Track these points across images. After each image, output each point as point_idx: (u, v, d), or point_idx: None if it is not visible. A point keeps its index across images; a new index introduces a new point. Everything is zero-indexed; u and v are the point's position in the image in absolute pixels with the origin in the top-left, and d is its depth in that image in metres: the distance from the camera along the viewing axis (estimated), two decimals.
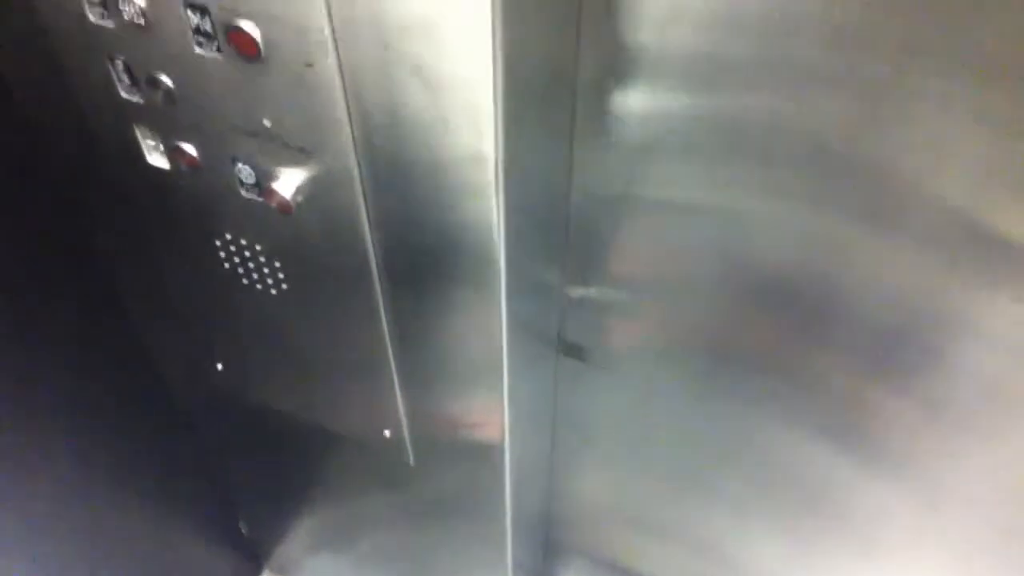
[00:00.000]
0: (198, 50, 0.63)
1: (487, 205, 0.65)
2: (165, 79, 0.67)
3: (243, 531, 1.55)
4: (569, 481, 1.29)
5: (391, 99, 0.61)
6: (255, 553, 1.60)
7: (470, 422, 0.92)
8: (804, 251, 0.80)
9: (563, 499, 1.34)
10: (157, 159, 0.76)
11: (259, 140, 0.68)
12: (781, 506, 1.10)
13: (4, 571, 0.96)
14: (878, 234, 0.75)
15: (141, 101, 0.71)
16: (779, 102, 0.69)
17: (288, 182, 0.70)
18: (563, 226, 0.89)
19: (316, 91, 0.62)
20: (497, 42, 0.54)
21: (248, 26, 0.59)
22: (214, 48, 0.62)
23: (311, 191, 0.70)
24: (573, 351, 1.04)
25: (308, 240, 0.76)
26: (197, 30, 0.62)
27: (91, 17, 0.65)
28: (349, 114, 0.63)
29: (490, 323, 0.77)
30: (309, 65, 0.60)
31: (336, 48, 0.59)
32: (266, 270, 0.82)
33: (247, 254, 0.81)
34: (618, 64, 0.72)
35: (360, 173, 0.67)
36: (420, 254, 0.73)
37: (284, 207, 0.70)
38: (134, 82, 0.69)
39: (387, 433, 0.96)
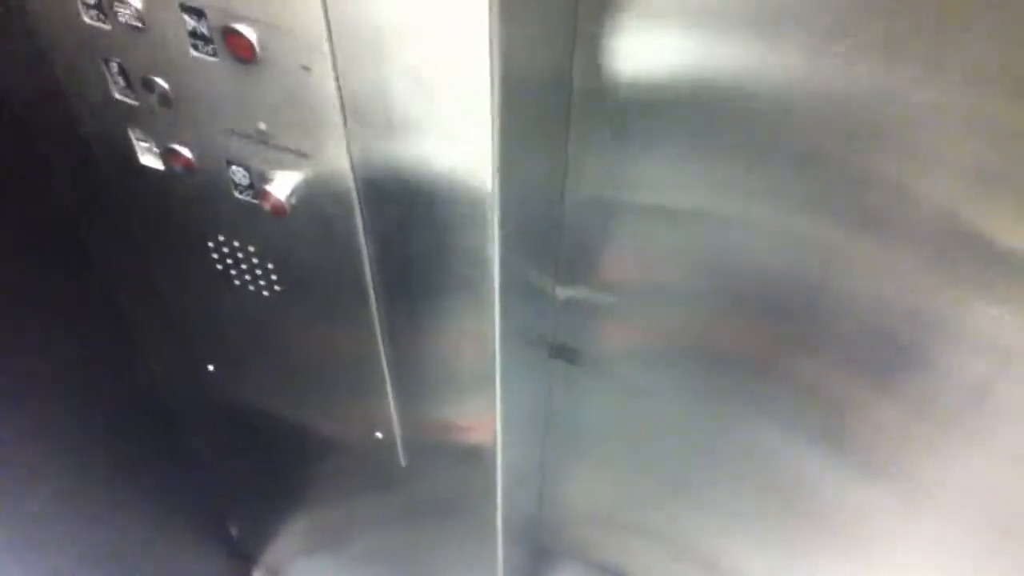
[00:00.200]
0: (194, 53, 0.63)
1: (482, 210, 0.65)
2: (160, 81, 0.67)
3: (233, 532, 1.54)
4: (561, 483, 1.30)
5: (386, 103, 0.61)
6: (246, 554, 1.60)
7: (462, 424, 0.92)
8: (792, 255, 0.80)
9: (555, 501, 1.34)
10: (151, 161, 0.76)
11: (254, 142, 0.68)
12: (771, 509, 1.11)
13: None
14: (865, 238, 0.75)
15: (136, 103, 0.70)
16: (772, 108, 0.70)
17: (282, 184, 0.70)
18: (557, 230, 0.89)
19: (312, 95, 0.62)
20: (494, 48, 0.55)
21: (245, 29, 0.59)
22: (210, 51, 0.62)
23: (305, 194, 0.70)
24: (565, 354, 1.04)
25: (302, 242, 0.76)
26: (193, 33, 0.62)
27: (86, 19, 0.65)
28: (344, 118, 0.63)
29: (483, 326, 0.77)
30: (305, 69, 0.60)
31: (332, 52, 0.59)
32: (259, 272, 0.82)
33: (240, 256, 0.81)
34: (613, 70, 0.72)
35: (355, 176, 0.68)
36: (414, 257, 0.73)
37: (278, 209, 0.71)
38: (129, 84, 0.69)
39: (379, 435, 0.96)
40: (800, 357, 0.89)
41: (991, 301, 0.74)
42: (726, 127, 0.73)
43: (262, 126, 0.66)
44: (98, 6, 0.64)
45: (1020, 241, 0.69)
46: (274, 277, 0.82)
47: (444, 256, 0.72)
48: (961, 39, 0.60)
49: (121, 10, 0.63)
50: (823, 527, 1.07)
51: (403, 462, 1.00)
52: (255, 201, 0.73)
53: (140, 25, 0.63)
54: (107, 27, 0.65)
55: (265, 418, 1.07)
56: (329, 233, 0.73)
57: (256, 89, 0.64)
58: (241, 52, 0.61)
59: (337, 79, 0.61)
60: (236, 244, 0.81)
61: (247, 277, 0.84)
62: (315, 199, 0.71)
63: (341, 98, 0.62)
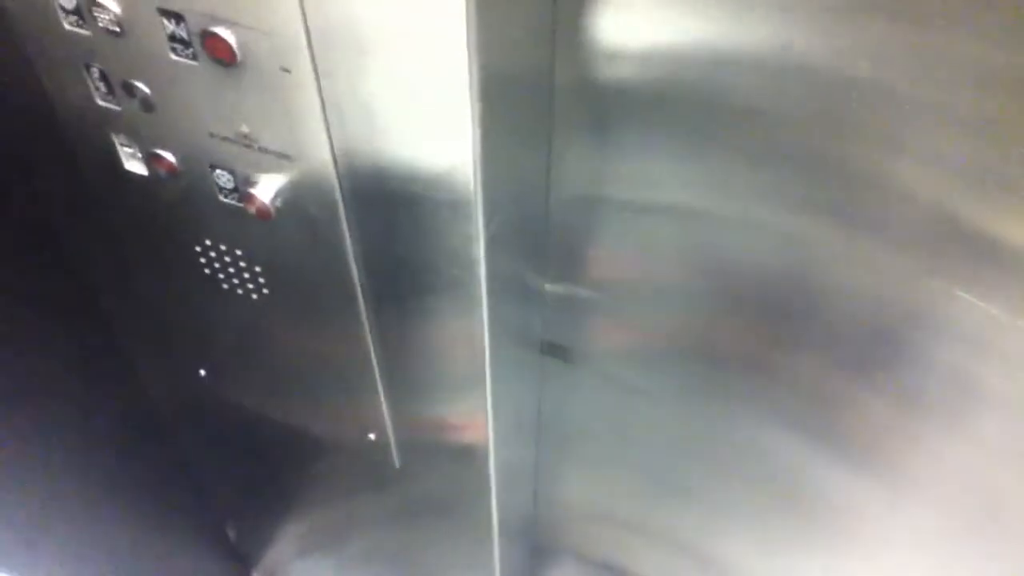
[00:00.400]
0: (174, 57, 0.63)
1: (466, 210, 0.65)
2: (141, 86, 0.67)
3: (231, 536, 1.54)
4: (555, 482, 1.30)
5: (368, 104, 0.61)
6: (243, 557, 1.60)
7: (454, 424, 0.92)
8: (780, 251, 0.80)
9: (550, 500, 1.34)
10: (135, 166, 0.76)
11: (237, 146, 0.68)
12: (766, 505, 1.11)
13: None
14: (853, 235, 0.75)
15: (118, 108, 0.70)
16: (759, 104, 0.69)
17: (267, 187, 0.70)
18: (543, 228, 0.89)
19: (293, 96, 0.62)
20: (472, 47, 0.54)
21: (223, 32, 0.59)
22: (190, 55, 0.62)
23: (290, 196, 0.70)
24: (557, 352, 1.04)
25: (288, 245, 0.76)
26: (173, 37, 0.61)
27: (66, 25, 0.65)
28: (326, 119, 0.63)
29: (472, 326, 0.77)
30: (285, 70, 0.60)
31: (312, 54, 0.59)
32: (247, 275, 0.82)
33: (227, 260, 0.81)
34: (594, 66, 0.72)
35: (338, 177, 0.67)
36: (401, 259, 0.73)
37: (263, 212, 0.70)
38: (110, 89, 0.69)
39: (372, 436, 0.96)
40: (791, 352, 0.89)
41: (991, 301, 0.74)
42: (711, 122, 0.73)
43: (244, 129, 0.66)
44: (77, 11, 0.63)
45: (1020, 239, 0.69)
46: (262, 280, 0.82)
47: (431, 257, 0.72)
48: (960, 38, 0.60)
49: (100, 15, 0.62)
50: (819, 523, 1.07)
51: (397, 463, 1.00)
52: (240, 204, 0.73)
53: (119, 30, 0.63)
54: (87, 33, 0.64)
55: (259, 421, 1.07)
56: (315, 235, 0.73)
57: (237, 92, 0.63)
58: (220, 55, 0.61)
59: (318, 80, 0.61)
60: (223, 248, 0.80)
61: (235, 281, 0.84)
62: (300, 201, 0.70)
63: (322, 99, 0.62)
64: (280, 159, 0.67)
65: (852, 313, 0.81)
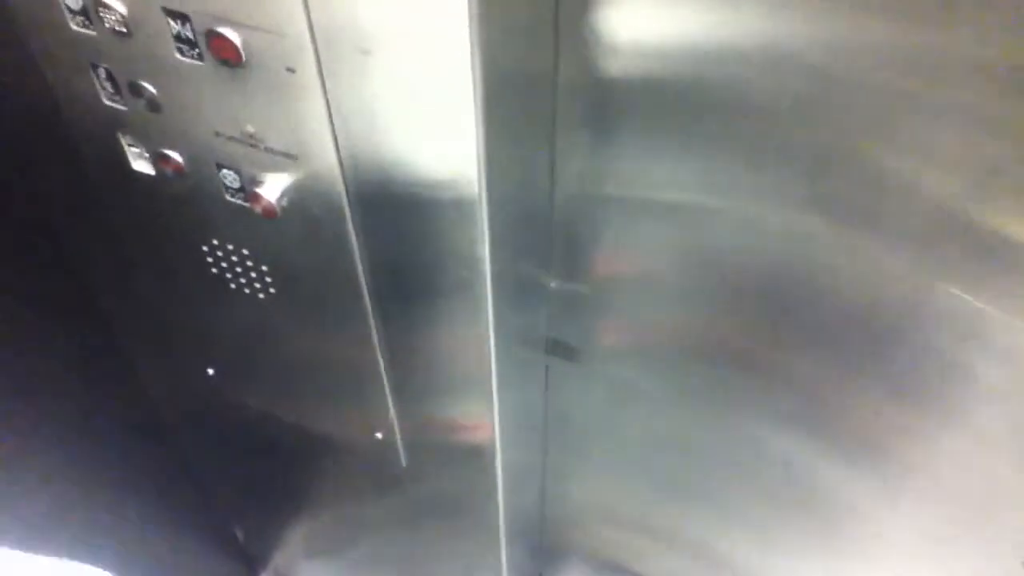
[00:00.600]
0: (180, 57, 0.63)
1: (470, 210, 0.65)
2: (148, 86, 0.67)
3: (239, 537, 1.55)
4: (563, 482, 1.29)
5: (372, 103, 0.61)
6: (251, 558, 1.60)
7: (461, 424, 0.92)
8: (784, 249, 0.80)
9: (557, 500, 1.34)
10: (142, 166, 0.76)
11: (243, 145, 0.68)
12: (773, 506, 1.10)
13: None
14: (855, 232, 0.75)
15: (125, 108, 0.71)
16: (762, 102, 0.69)
17: (273, 187, 0.70)
18: (547, 226, 0.89)
19: (298, 96, 0.62)
20: (475, 47, 0.55)
21: (229, 32, 0.59)
22: (196, 55, 0.62)
23: (296, 195, 0.71)
24: (562, 351, 1.04)
25: (294, 244, 0.76)
26: (178, 37, 0.62)
27: (72, 25, 0.65)
28: (331, 118, 0.63)
29: (477, 325, 0.77)
30: (290, 70, 0.60)
31: (316, 54, 0.59)
32: (253, 274, 0.82)
33: (234, 259, 0.82)
34: (597, 65, 0.72)
35: (343, 176, 0.68)
36: (406, 257, 0.73)
37: (269, 212, 0.71)
38: (117, 90, 0.69)
39: (379, 436, 0.96)
40: (795, 350, 0.89)
41: (991, 300, 0.73)
42: (714, 120, 0.72)
43: (250, 129, 0.66)
44: (84, 12, 0.64)
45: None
46: (269, 280, 0.82)
47: (436, 257, 0.72)
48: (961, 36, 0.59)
49: (106, 16, 0.63)
50: (823, 522, 1.07)
51: (404, 462, 1.00)
52: (246, 204, 0.73)
53: (125, 30, 0.63)
54: (93, 33, 0.65)
55: (267, 420, 1.07)
56: (321, 234, 0.73)
57: (242, 92, 0.64)
58: (226, 55, 0.61)
59: (322, 80, 0.61)
60: (230, 247, 0.81)
61: (242, 280, 0.84)
62: (305, 201, 0.71)
63: (327, 99, 0.62)
64: (285, 158, 0.68)
65: (855, 312, 0.81)
